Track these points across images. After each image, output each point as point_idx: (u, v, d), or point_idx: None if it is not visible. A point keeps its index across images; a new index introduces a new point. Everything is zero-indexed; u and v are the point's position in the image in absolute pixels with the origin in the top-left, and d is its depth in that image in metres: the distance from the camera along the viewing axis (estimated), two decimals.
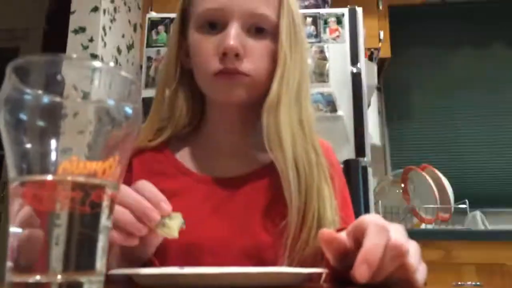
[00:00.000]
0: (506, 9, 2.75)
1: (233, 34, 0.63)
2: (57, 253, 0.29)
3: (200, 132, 0.74)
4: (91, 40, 2.04)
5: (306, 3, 2.23)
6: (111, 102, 0.33)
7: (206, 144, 0.73)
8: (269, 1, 0.67)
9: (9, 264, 0.29)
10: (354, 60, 1.90)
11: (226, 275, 0.40)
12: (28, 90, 0.31)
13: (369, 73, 2.00)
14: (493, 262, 1.79)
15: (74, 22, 2.08)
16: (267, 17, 0.66)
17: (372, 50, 2.28)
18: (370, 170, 1.80)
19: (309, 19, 1.97)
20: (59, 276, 0.29)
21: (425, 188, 2.13)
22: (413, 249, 0.43)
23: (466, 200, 2.07)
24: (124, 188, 0.46)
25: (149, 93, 1.90)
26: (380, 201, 2.21)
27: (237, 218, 0.66)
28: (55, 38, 2.86)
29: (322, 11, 2.00)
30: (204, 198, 0.67)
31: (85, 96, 0.32)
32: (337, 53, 1.91)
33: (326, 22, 1.97)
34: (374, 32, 2.44)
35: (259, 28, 0.67)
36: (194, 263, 0.60)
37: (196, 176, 0.70)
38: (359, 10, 1.98)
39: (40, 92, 0.31)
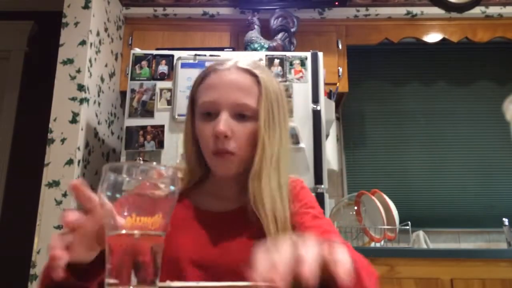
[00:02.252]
0: (449, 51, 3.07)
1: (222, 121, 0.83)
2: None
3: (208, 181, 0.95)
4: (78, 71, 2.22)
5: (275, 44, 2.50)
6: (162, 184, 0.56)
7: (211, 191, 0.94)
8: (250, 92, 0.86)
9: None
10: (315, 98, 2.16)
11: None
12: (120, 179, 0.53)
13: (327, 109, 2.26)
14: (429, 277, 2.03)
15: (62, 54, 2.24)
16: (248, 105, 0.85)
17: (331, 89, 2.55)
18: (326, 195, 2.07)
19: (276, 61, 2.23)
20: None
21: (374, 211, 2.38)
22: (311, 252, 0.45)
23: (409, 222, 2.33)
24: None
25: (133, 122, 2.11)
26: (336, 222, 2.46)
27: (225, 241, 0.86)
28: (35, 61, 3.01)
29: (288, 54, 2.25)
30: (203, 226, 0.88)
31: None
32: (301, 92, 2.17)
33: (291, 64, 2.23)
34: (334, 69, 2.72)
35: (242, 115, 0.85)
36: (183, 275, 0.80)
37: (200, 211, 0.91)
38: (320, 54, 2.24)
39: (127, 179, 0.54)
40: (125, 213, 0.52)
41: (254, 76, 0.88)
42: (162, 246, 0.55)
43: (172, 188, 0.55)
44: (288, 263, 0.44)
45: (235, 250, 0.85)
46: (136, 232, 0.51)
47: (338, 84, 2.66)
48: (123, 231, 0.51)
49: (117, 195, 0.53)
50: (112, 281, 0.52)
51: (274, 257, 0.45)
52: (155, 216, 0.52)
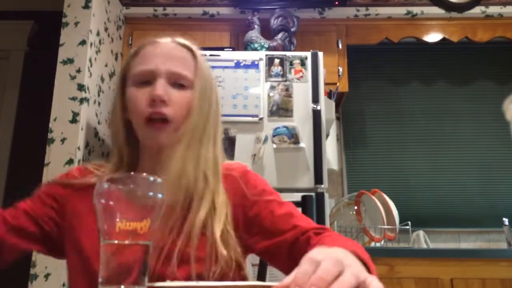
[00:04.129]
0: (449, 51, 3.07)
1: (160, 85, 0.84)
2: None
3: (139, 163, 0.91)
4: (78, 70, 2.22)
5: (275, 43, 2.50)
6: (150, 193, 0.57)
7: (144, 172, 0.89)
8: (187, 64, 0.88)
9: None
10: (315, 98, 2.16)
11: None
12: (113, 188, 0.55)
13: (327, 109, 2.25)
14: (429, 277, 2.04)
15: (62, 53, 2.24)
16: (185, 76, 0.87)
17: (331, 89, 2.55)
18: (326, 195, 2.06)
19: (276, 60, 2.23)
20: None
21: (374, 210, 2.38)
22: (346, 277, 0.45)
23: (409, 222, 2.34)
24: None
25: None
26: (336, 221, 2.46)
27: (176, 225, 0.81)
28: (35, 60, 3.01)
29: (288, 53, 2.25)
30: None
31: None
32: (301, 92, 2.17)
33: (291, 64, 2.22)
34: (334, 69, 2.71)
35: (179, 84, 0.87)
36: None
37: None
38: (320, 54, 2.24)
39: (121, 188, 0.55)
40: (117, 219, 0.55)
41: (191, 50, 0.91)
42: (149, 250, 0.57)
43: (159, 196, 0.58)
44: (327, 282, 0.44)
45: (185, 232, 0.81)
46: (126, 242, 0.54)
47: (338, 84, 2.66)
48: (116, 241, 0.54)
49: (111, 203, 0.56)
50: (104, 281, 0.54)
51: (316, 274, 0.45)
52: (144, 221, 0.56)
